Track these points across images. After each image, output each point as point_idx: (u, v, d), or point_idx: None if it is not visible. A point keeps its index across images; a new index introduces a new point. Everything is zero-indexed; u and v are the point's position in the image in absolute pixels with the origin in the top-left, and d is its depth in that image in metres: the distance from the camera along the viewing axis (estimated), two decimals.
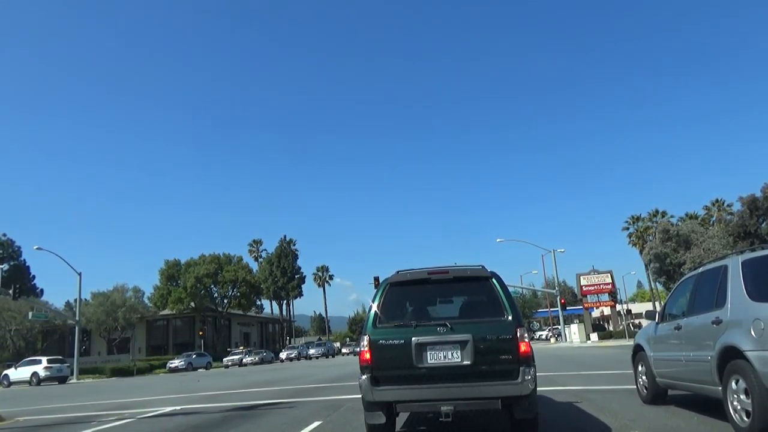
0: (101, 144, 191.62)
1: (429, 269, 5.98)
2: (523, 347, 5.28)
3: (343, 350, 64.66)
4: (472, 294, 6.11)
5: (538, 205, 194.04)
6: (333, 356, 57.88)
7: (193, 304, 62.63)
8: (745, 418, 5.02)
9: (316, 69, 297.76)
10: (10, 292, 36.43)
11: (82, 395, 20.15)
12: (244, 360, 52.09)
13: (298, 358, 55.56)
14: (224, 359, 53.28)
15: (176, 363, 47.19)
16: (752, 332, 4.90)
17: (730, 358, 5.22)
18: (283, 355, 57.78)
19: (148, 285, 69.51)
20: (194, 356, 49.56)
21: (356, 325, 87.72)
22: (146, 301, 64.22)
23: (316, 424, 7.83)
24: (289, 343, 78.43)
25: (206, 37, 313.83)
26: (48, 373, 34.94)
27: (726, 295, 5.58)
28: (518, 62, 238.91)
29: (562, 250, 57.34)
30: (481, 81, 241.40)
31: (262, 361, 51.80)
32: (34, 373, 34.87)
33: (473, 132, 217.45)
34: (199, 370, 45.07)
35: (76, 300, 46.36)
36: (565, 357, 23.87)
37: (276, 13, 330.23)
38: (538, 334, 70.50)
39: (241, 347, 62.53)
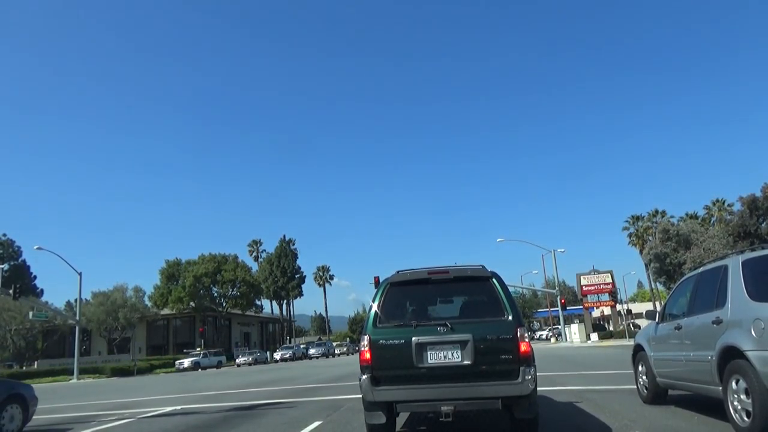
0: (101, 144, 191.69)
1: (429, 269, 5.98)
2: (523, 347, 5.28)
3: (336, 350, 62.92)
4: (473, 294, 6.11)
5: (538, 205, 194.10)
6: (333, 356, 57.86)
7: (193, 303, 62.60)
8: (746, 418, 5.02)
9: (316, 69, 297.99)
10: (11, 292, 36.44)
11: (83, 395, 20.15)
12: (201, 363, 46.52)
13: (292, 358, 54.58)
14: (176, 362, 48.04)
15: None
16: (753, 332, 4.90)
17: (731, 358, 5.22)
18: (277, 355, 56.50)
19: (148, 285, 69.58)
20: None
21: (356, 325, 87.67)
22: (146, 300, 64.17)
23: (316, 424, 7.83)
24: (290, 342, 78.32)
25: (206, 38, 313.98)
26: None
27: (726, 295, 5.58)
28: (518, 62, 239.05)
29: (563, 250, 57.44)
30: (482, 81, 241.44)
31: (256, 362, 49.48)
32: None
33: (473, 132, 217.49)
34: None
35: (76, 300, 46.41)
36: (566, 357, 23.87)
37: (276, 12, 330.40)
38: (538, 334, 70.49)
39: (198, 348, 55.43)
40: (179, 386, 21.37)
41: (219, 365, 48.72)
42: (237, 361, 52.01)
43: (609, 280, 49.61)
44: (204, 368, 45.61)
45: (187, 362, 46.46)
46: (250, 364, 49.68)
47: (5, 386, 9.20)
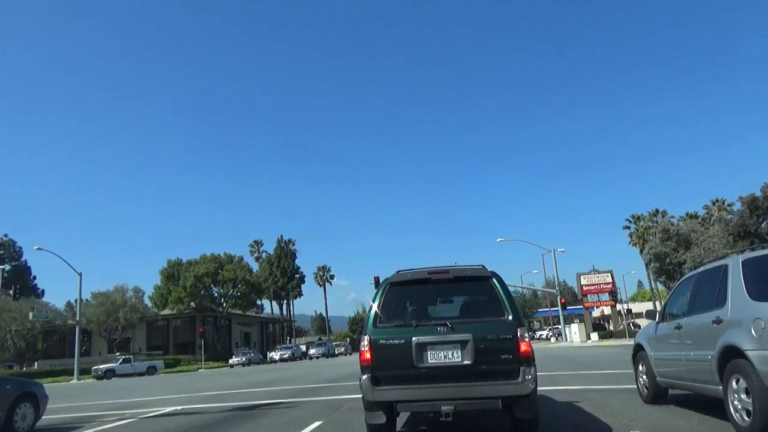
0: (101, 144, 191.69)
1: (429, 269, 5.98)
2: (523, 347, 5.28)
3: (336, 350, 63.02)
4: (473, 294, 6.12)
5: (538, 205, 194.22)
6: (334, 356, 57.84)
7: (193, 304, 62.55)
8: (746, 418, 5.03)
9: (315, 69, 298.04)
10: (11, 292, 36.43)
11: (83, 395, 20.16)
12: (118, 370, 41.36)
13: (291, 358, 54.16)
14: (93, 368, 42.61)
15: None
16: (753, 332, 4.91)
17: (731, 358, 5.23)
18: (276, 355, 55.91)
19: (148, 285, 69.46)
20: None
21: (357, 325, 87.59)
22: (146, 301, 64.16)
23: (316, 423, 7.83)
24: (290, 342, 78.27)
25: (206, 38, 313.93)
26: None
27: (726, 295, 5.58)
28: (518, 62, 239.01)
29: (563, 249, 57.51)
30: (481, 81, 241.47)
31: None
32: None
33: (473, 132, 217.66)
34: None
35: (76, 300, 46.36)
36: (566, 356, 23.87)
37: (275, 12, 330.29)
38: (538, 333, 70.48)
39: (118, 353, 50.02)
40: (180, 386, 21.36)
41: (151, 372, 42.51)
42: (230, 361, 51.35)
43: (609, 279, 49.62)
44: (128, 375, 40.50)
45: (103, 368, 41.86)
46: (243, 365, 49.02)
47: (17, 385, 9.24)
